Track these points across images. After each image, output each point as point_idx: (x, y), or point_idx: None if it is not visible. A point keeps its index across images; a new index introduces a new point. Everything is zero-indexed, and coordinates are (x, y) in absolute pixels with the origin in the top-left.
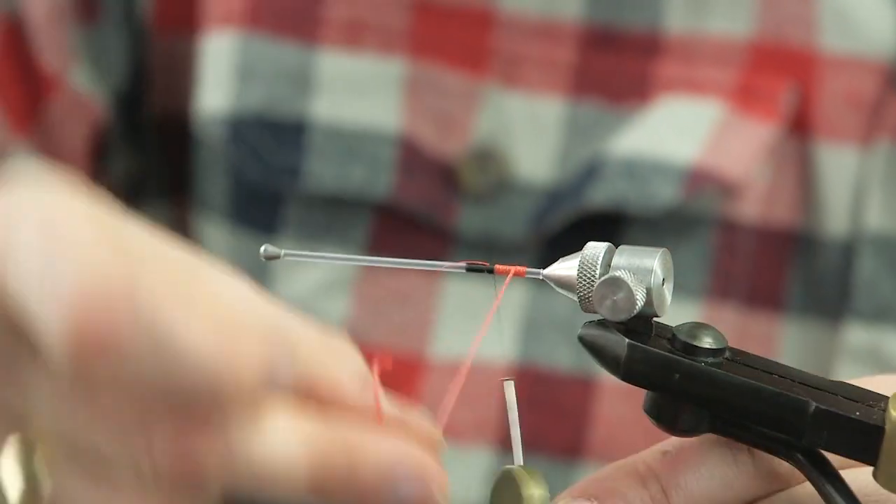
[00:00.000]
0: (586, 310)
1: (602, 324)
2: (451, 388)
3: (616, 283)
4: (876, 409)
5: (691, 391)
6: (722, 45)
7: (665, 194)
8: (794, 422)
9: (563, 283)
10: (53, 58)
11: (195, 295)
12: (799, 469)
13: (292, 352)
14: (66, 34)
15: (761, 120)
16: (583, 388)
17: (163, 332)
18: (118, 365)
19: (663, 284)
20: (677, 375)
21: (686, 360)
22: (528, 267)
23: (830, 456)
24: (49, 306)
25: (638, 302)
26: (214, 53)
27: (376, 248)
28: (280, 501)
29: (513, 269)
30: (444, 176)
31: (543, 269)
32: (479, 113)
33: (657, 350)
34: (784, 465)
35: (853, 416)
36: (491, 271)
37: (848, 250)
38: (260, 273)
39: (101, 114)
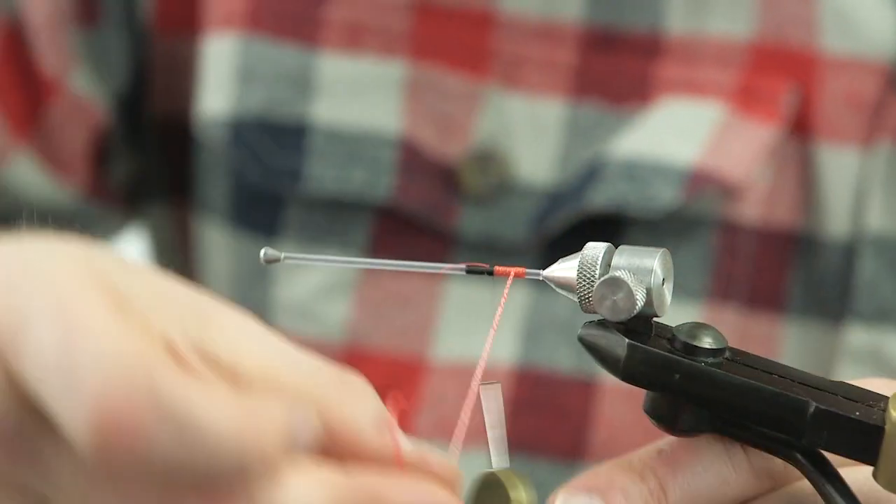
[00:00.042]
0: (586, 310)
1: (602, 324)
2: (464, 407)
3: (616, 283)
4: (876, 409)
5: (691, 391)
6: (722, 47)
7: (666, 196)
8: (794, 422)
9: (562, 284)
10: (54, 62)
11: (211, 361)
12: (799, 469)
13: (312, 408)
14: (66, 38)
15: (762, 121)
16: (584, 390)
17: (184, 416)
18: (141, 452)
19: (663, 284)
20: (677, 375)
21: (686, 360)
22: (529, 269)
23: (830, 456)
24: (69, 401)
25: (638, 302)
26: (215, 56)
27: (377, 251)
28: None
29: (512, 270)
30: (445, 178)
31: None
32: (480, 115)
33: (657, 350)
34: (779, 464)
35: (853, 416)
36: (490, 273)
37: (849, 251)
38: (260, 276)
39: (102, 117)
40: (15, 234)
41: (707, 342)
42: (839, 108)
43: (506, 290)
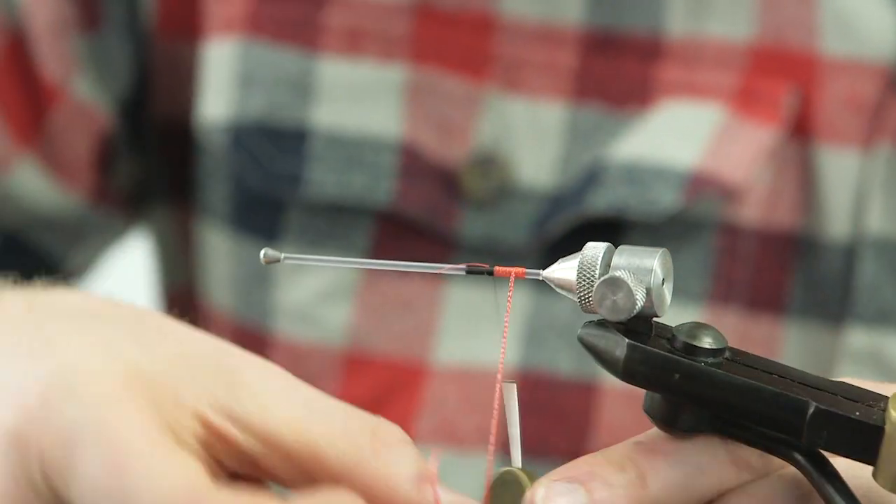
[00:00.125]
0: (586, 310)
1: (602, 324)
2: (490, 432)
3: (616, 283)
4: (876, 409)
5: (691, 391)
6: (722, 49)
7: (666, 200)
8: (794, 422)
9: (562, 284)
10: (56, 68)
11: (244, 426)
12: (799, 469)
13: (349, 470)
14: (68, 44)
15: (762, 123)
16: (585, 392)
17: None
18: None
19: (663, 284)
20: (677, 375)
21: (686, 360)
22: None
23: (830, 456)
24: None
25: (638, 302)
26: (216, 60)
27: (378, 255)
28: None
29: (513, 270)
30: (446, 182)
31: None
32: (481, 118)
33: (657, 350)
34: (757, 456)
35: (853, 416)
36: (491, 273)
37: (849, 254)
38: (261, 280)
39: (105, 122)
40: (31, 296)
41: (707, 342)
42: (839, 110)
43: (510, 290)
